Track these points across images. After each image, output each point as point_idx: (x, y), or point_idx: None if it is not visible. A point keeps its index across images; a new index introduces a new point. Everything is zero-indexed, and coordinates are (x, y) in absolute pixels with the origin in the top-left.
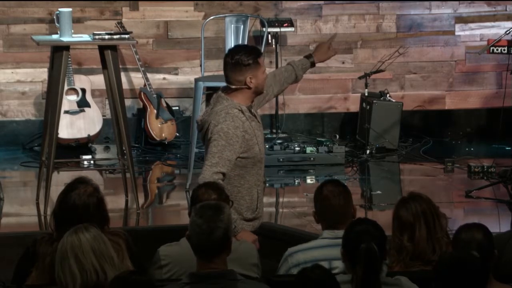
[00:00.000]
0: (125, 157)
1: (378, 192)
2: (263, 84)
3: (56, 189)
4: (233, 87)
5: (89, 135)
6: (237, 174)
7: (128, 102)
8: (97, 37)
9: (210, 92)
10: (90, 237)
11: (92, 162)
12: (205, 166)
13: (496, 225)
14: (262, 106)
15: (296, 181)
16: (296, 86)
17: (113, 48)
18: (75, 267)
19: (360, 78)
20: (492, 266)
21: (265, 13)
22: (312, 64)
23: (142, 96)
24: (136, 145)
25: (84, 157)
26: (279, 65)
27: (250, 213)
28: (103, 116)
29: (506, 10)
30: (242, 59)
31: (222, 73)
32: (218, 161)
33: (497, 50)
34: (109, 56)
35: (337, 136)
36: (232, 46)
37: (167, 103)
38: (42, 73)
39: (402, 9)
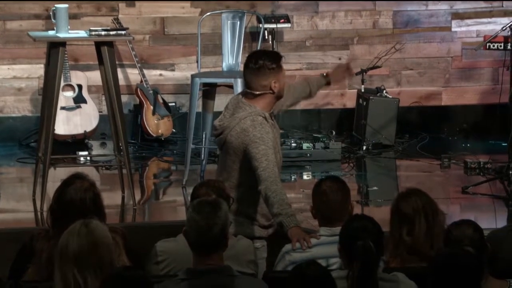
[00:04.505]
0: (122, 153)
1: (375, 188)
2: (284, 88)
3: (52, 185)
4: (257, 92)
5: (85, 131)
6: (255, 181)
7: (124, 98)
8: (93, 33)
9: (207, 88)
10: (76, 245)
11: (88, 158)
12: (259, 173)
13: (493, 221)
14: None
15: (293, 177)
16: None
17: (110, 44)
18: (58, 273)
19: (356, 74)
20: (487, 260)
21: (262, 9)
22: (328, 83)
23: (139, 92)
24: (133, 141)
25: (81, 153)
26: None
27: (265, 220)
28: (99, 112)
29: (502, 6)
30: (266, 63)
31: (218, 69)
32: (268, 163)
33: (493, 46)
34: (105, 52)
35: (334, 132)
36: (229, 43)
37: (163, 99)
38: (38, 69)
39: (399, 5)
